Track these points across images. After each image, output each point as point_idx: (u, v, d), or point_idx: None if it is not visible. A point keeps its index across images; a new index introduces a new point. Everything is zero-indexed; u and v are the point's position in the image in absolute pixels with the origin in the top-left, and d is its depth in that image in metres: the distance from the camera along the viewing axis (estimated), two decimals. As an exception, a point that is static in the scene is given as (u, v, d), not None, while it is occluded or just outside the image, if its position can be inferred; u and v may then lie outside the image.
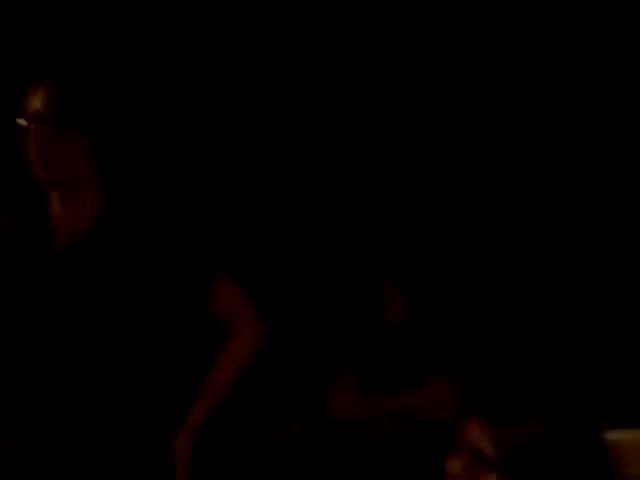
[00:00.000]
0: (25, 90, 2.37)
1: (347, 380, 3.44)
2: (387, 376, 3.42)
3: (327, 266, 3.97)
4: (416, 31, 3.90)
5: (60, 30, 3.73)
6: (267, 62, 3.92)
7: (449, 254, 3.73)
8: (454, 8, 3.88)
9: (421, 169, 3.96)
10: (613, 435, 2.27)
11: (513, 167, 3.93)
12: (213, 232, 2.62)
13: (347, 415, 3.43)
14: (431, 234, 3.77)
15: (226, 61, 3.91)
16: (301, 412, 3.74)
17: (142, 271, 2.39)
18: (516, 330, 3.78)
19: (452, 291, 3.59)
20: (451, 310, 3.52)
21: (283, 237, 3.95)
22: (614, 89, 3.86)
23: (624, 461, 2.43)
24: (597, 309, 3.86)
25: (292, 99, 3.94)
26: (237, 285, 2.59)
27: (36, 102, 2.33)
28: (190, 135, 3.89)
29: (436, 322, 3.47)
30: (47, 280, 2.39)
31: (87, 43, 3.63)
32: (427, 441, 3.29)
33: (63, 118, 2.31)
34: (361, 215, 3.97)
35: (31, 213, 2.47)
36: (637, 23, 3.80)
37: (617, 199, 3.91)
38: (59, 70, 2.38)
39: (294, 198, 3.97)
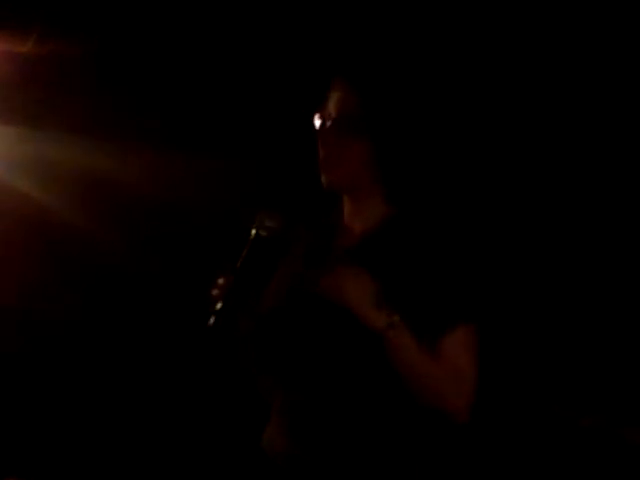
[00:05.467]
0: (321, 92, 2.33)
1: None
2: None
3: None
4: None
5: (354, 32, 3.73)
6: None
7: None
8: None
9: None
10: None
11: None
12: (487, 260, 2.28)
13: None
14: None
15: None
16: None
17: (413, 283, 2.20)
18: None
19: None
20: None
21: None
22: (614, 89, 3.88)
23: None
24: None
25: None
26: (475, 343, 2.23)
27: (329, 104, 2.29)
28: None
29: None
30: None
31: (379, 45, 3.57)
32: None
33: (352, 122, 2.25)
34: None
35: (318, 214, 2.45)
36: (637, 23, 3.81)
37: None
38: (354, 73, 2.29)
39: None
